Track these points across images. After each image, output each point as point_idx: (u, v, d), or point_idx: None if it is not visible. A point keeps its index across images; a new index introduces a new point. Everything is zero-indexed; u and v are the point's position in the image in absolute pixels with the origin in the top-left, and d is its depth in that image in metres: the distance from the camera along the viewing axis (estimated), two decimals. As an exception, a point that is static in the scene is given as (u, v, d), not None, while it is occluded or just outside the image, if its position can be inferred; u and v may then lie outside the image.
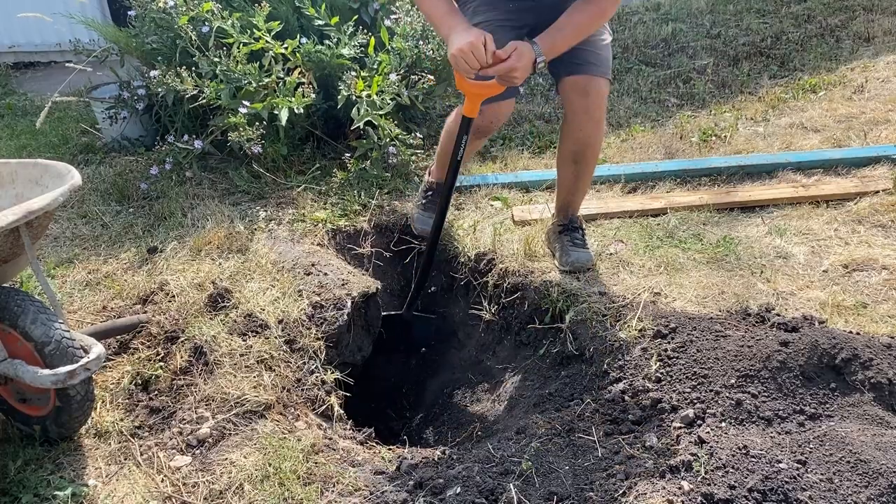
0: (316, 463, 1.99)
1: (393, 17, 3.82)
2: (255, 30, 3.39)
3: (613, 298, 2.46)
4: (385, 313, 2.91)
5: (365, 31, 3.58)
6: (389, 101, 3.39)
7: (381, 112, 3.37)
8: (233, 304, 2.53)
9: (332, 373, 2.43)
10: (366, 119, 3.34)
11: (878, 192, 3.04)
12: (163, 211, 3.23)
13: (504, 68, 2.08)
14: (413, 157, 3.52)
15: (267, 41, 3.38)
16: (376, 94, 3.37)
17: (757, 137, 3.79)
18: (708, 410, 1.93)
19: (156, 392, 2.24)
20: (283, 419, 2.16)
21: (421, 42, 3.73)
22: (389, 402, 2.91)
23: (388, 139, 3.41)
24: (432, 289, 3.09)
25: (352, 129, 3.45)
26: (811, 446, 1.76)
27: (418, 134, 3.61)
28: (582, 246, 2.68)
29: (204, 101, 3.36)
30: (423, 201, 3.01)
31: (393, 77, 3.42)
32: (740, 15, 5.99)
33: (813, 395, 1.94)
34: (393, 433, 2.69)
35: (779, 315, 2.28)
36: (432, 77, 3.63)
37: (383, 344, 2.90)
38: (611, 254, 2.79)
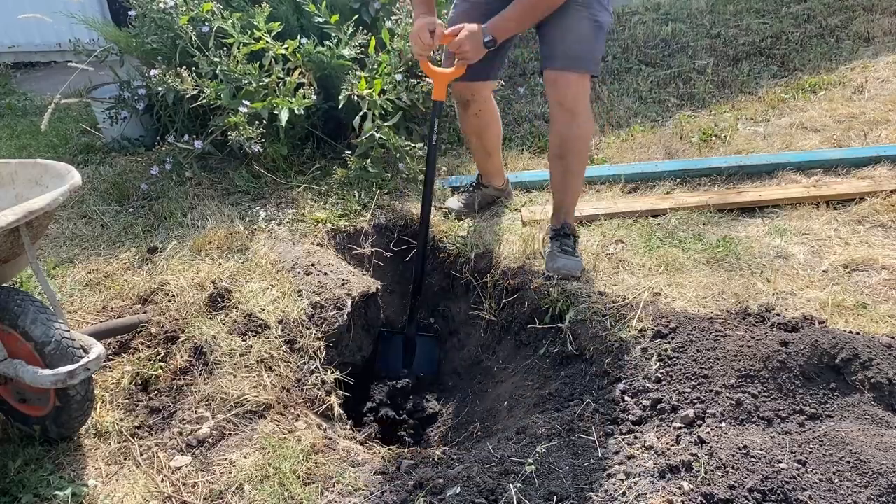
0: (316, 463, 1.99)
1: (394, 17, 3.81)
2: (255, 30, 3.39)
3: (613, 298, 2.46)
4: (384, 329, 2.84)
5: (365, 31, 3.57)
6: (393, 102, 3.38)
7: (388, 124, 3.35)
8: (233, 304, 2.53)
9: (332, 373, 2.43)
10: (371, 132, 3.31)
11: (890, 192, 3.02)
12: (163, 211, 3.23)
13: (455, 43, 2.42)
14: (422, 169, 3.51)
15: (267, 41, 3.37)
16: (378, 95, 3.36)
17: (757, 137, 3.79)
18: (708, 410, 1.93)
19: (156, 392, 2.25)
20: (283, 419, 2.16)
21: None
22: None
23: (397, 154, 3.41)
24: (435, 289, 3.09)
25: (356, 138, 3.43)
26: (811, 446, 1.76)
27: (421, 136, 3.60)
28: (571, 253, 2.65)
29: (204, 101, 3.36)
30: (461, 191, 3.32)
31: (399, 77, 3.41)
32: (740, 15, 5.99)
33: (813, 395, 1.94)
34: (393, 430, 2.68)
35: (779, 315, 2.28)
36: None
37: (383, 362, 2.82)
38: (610, 254, 2.79)
